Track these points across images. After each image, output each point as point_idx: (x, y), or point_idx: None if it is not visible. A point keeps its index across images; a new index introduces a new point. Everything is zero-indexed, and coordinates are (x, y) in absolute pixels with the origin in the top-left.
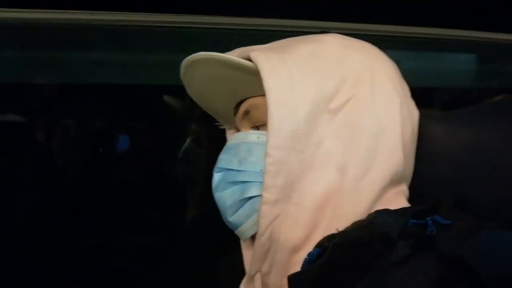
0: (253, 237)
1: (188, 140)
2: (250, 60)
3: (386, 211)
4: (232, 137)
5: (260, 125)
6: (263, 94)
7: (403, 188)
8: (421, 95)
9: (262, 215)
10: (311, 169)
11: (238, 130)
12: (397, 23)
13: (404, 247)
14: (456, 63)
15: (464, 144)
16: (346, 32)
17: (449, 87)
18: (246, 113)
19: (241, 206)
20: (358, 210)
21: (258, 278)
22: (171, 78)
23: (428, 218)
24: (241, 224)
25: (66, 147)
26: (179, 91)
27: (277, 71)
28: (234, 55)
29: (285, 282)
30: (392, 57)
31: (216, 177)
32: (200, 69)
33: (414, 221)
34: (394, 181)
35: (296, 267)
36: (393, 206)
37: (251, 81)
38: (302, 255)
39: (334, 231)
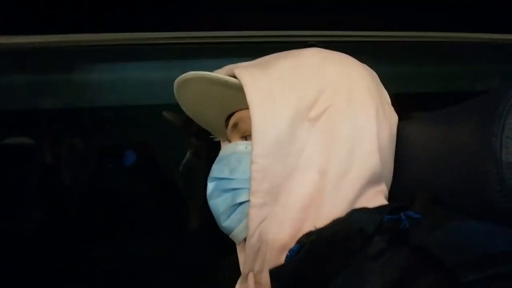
0: (246, 240)
1: (188, 153)
2: (235, 76)
3: (362, 209)
4: (223, 148)
5: (248, 135)
6: (248, 107)
7: (382, 188)
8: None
9: (250, 218)
10: (294, 174)
11: (230, 141)
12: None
13: (379, 241)
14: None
15: (435, 144)
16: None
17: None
18: (235, 125)
19: (233, 211)
20: (339, 209)
21: (251, 277)
22: (169, 96)
23: (402, 213)
24: (234, 228)
25: (72, 164)
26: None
27: (259, 85)
28: (222, 73)
29: None
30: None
31: (210, 186)
32: (190, 88)
33: (389, 216)
34: (372, 181)
35: None
36: (372, 205)
37: (238, 96)
38: None
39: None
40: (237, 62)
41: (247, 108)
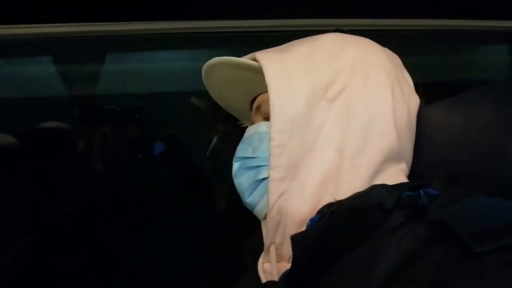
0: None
1: (215, 138)
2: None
3: (382, 185)
4: (247, 130)
5: (269, 116)
6: None
7: (403, 167)
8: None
9: (270, 191)
10: (313, 151)
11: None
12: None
13: (399, 216)
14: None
15: (457, 126)
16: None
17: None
18: (258, 107)
19: (256, 187)
20: (357, 184)
21: (273, 250)
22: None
23: (421, 190)
24: (257, 203)
25: (104, 152)
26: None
27: (277, 67)
28: (246, 58)
29: None
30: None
31: (235, 165)
32: (216, 74)
33: (408, 193)
34: (390, 159)
35: None
36: (393, 182)
37: (260, 79)
38: None
39: None
40: None
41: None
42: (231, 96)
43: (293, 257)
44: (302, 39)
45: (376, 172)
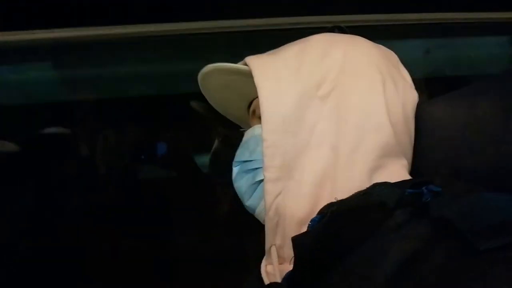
0: None
1: (216, 142)
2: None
3: (384, 183)
4: (245, 134)
5: None
6: None
7: (404, 163)
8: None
9: (266, 192)
10: (307, 150)
11: None
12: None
13: (401, 214)
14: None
15: (458, 120)
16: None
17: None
18: (254, 111)
19: (254, 190)
20: (356, 181)
21: (274, 251)
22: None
23: (423, 187)
24: (257, 206)
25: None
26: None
27: (265, 69)
28: (239, 64)
29: None
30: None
31: (234, 170)
32: (211, 80)
33: (410, 190)
34: (388, 154)
35: None
36: (395, 179)
37: (252, 83)
38: None
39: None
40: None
41: None
42: (229, 102)
43: (294, 259)
44: (294, 41)
45: (375, 168)
